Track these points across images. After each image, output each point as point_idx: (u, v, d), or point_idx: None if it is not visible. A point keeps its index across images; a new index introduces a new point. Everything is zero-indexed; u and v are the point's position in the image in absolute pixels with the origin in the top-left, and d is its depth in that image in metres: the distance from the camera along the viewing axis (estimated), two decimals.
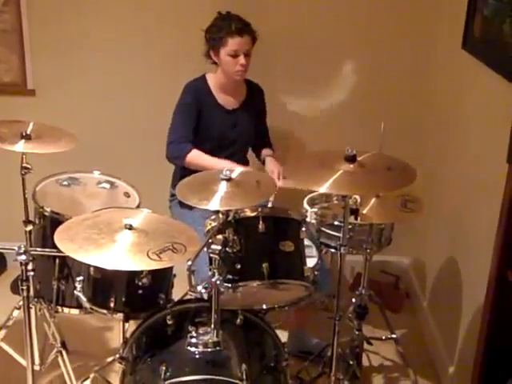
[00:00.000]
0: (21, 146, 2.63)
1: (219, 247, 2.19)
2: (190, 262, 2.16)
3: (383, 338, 3.20)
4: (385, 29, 3.59)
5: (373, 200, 2.76)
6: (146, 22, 3.61)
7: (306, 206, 3.04)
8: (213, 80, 3.23)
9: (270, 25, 3.43)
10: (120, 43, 3.63)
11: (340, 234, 2.44)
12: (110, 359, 3.00)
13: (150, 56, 3.65)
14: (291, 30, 3.59)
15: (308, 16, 3.58)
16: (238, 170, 2.46)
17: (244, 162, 3.30)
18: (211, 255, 2.19)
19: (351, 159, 2.33)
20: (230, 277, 2.34)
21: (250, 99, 3.32)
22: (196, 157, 3.11)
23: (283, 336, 3.15)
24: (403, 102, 3.70)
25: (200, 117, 3.16)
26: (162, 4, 3.58)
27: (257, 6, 3.50)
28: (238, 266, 2.36)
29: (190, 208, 2.54)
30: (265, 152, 3.40)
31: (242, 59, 3.09)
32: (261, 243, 2.42)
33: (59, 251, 2.17)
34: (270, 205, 2.59)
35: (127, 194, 2.98)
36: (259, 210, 2.40)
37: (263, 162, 3.36)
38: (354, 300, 2.96)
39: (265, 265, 2.36)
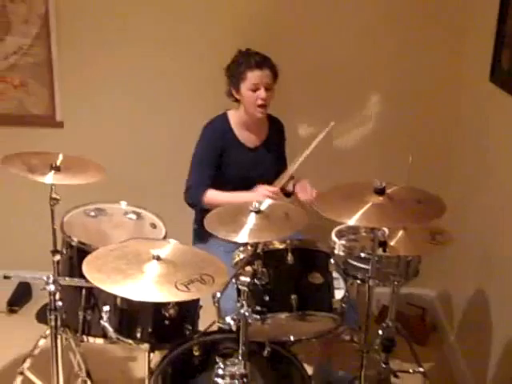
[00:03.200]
0: (50, 178, 2.63)
1: (248, 279, 2.17)
2: (219, 294, 2.15)
3: (410, 371, 3.14)
4: (411, 59, 3.58)
5: (400, 232, 2.74)
6: (171, 60, 3.63)
7: (334, 238, 3.01)
8: (234, 117, 3.20)
9: (291, 57, 3.44)
10: (146, 79, 3.65)
11: (367, 266, 2.42)
12: None
13: (176, 92, 3.67)
14: (314, 61, 3.58)
15: (331, 47, 3.58)
16: (267, 202, 2.45)
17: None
18: (240, 287, 2.18)
19: (380, 192, 2.31)
20: (258, 308, 2.33)
21: (272, 135, 3.30)
22: (213, 197, 3.07)
23: (309, 368, 3.09)
24: (430, 134, 3.68)
25: (221, 156, 3.14)
26: (187, 42, 3.60)
27: (278, 40, 3.48)
28: (267, 298, 2.36)
29: (220, 240, 2.52)
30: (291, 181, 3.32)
31: (262, 92, 3.06)
32: (289, 275, 2.42)
33: (87, 281, 2.16)
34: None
35: (153, 225, 2.97)
36: (288, 241, 2.40)
37: (287, 194, 3.31)
38: (380, 332, 2.90)
39: (293, 297, 2.36)
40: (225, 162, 3.14)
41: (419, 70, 3.59)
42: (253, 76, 3.06)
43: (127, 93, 3.69)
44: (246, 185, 3.14)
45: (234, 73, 3.12)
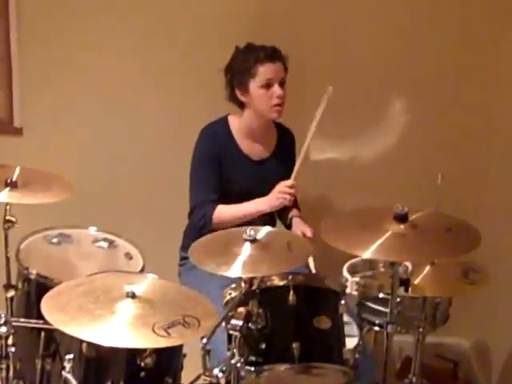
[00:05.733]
0: (5, 196, 2.64)
1: (240, 322, 2.18)
2: (204, 340, 2.16)
3: None
4: (444, 63, 3.62)
5: (427, 268, 2.74)
6: (151, 59, 3.66)
7: (345, 274, 2.99)
8: (237, 124, 3.23)
9: (302, 55, 3.45)
10: (125, 81, 3.68)
11: (387, 309, 2.42)
12: None
13: (159, 93, 3.69)
14: (329, 61, 3.62)
15: (349, 45, 3.62)
16: (264, 229, 2.47)
17: (272, 223, 3.29)
18: (230, 332, 2.18)
19: (402, 218, 2.33)
20: (252, 358, 2.34)
21: (281, 147, 3.33)
22: (223, 211, 3.11)
23: None
24: (465, 149, 3.70)
25: (220, 168, 3.17)
26: (168, 39, 3.63)
27: (283, 36, 3.46)
28: (263, 346, 2.36)
29: (207, 274, 2.53)
30: (291, 213, 3.37)
31: (277, 89, 3.09)
32: (291, 318, 2.42)
33: (46, 323, 2.15)
34: (313, 269, 2.57)
35: (129, 255, 2.98)
36: (290, 277, 2.41)
37: (288, 226, 3.35)
38: None
39: (295, 345, 2.35)
40: (224, 175, 3.18)
41: (452, 73, 3.62)
42: (265, 70, 3.10)
43: (100, 96, 3.70)
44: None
45: (240, 70, 3.14)
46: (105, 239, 3.03)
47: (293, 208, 3.40)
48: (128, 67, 3.67)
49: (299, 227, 3.24)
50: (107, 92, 3.70)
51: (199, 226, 3.13)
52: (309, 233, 3.13)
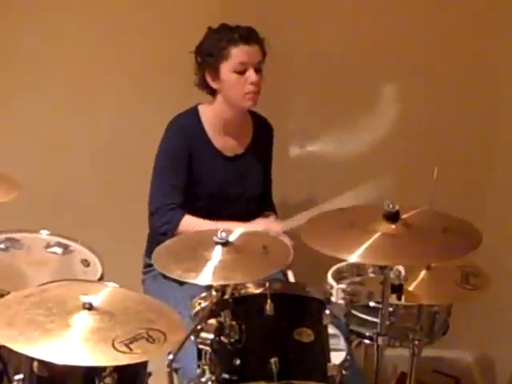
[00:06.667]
0: None
1: (211, 336, 2.20)
2: (171, 356, 2.16)
3: None
4: (439, 42, 3.67)
5: (422, 273, 2.74)
6: (110, 43, 3.67)
7: (330, 280, 3.03)
8: (208, 115, 3.23)
9: (284, 38, 3.49)
10: (74, 65, 3.69)
11: (377, 320, 2.44)
12: None
13: (118, 82, 3.70)
14: (313, 44, 3.65)
15: (333, 27, 3.65)
16: (237, 230, 2.48)
17: None
18: (200, 346, 2.20)
19: (393, 217, 2.34)
20: (226, 376, 2.33)
21: (258, 141, 3.34)
22: (190, 225, 3.09)
23: None
24: (463, 140, 3.74)
25: (190, 167, 3.17)
26: (131, 22, 3.66)
27: (264, 19, 3.47)
28: (238, 362, 2.35)
29: (175, 282, 2.56)
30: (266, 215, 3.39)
31: (252, 75, 3.10)
32: (268, 331, 2.42)
33: None
34: (290, 278, 2.54)
35: (86, 262, 2.99)
36: (266, 285, 2.41)
37: None
38: None
39: (273, 360, 2.35)
40: (194, 173, 3.18)
41: (449, 56, 3.66)
42: (239, 53, 3.10)
43: (54, 85, 3.71)
44: (222, 205, 3.23)
45: (211, 51, 3.14)
46: (58, 244, 3.04)
47: (268, 208, 3.43)
48: (81, 53, 3.67)
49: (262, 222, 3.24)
50: (59, 83, 3.72)
51: (160, 232, 3.13)
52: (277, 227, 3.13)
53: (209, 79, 3.18)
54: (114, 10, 3.62)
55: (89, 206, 3.78)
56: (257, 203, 3.37)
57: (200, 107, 3.25)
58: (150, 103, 3.67)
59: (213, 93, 3.21)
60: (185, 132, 3.19)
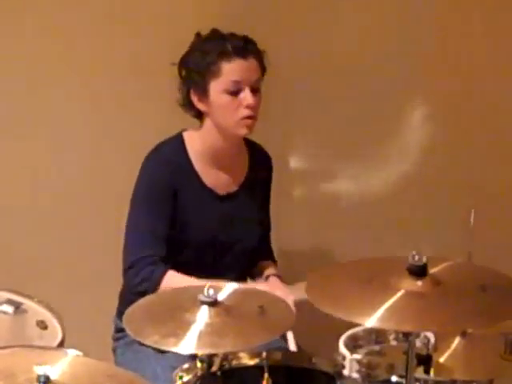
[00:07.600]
0: None
1: None
2: None
3: None
4: (477, 55, 3.68)
5: (456, 341, 2.68)
6: (85, 47, 3.69)
7: (342, 349, 2.91)
8: (194, 143, 3.17)
9: (288, 52, 3.50)
10: (50, 74, 3.69)
11: None
12: None
13: (95, 98, 3.71)
14: (323, 58, 3.65)
15: (344, 37, 3.66)
16: (228, 287, 2.45)
17: (244, 279, 3.29)
18: None
19: (419, 272, 2.28)
20: None
21: (254, 176, 3.28)
22: (174, 283, 3.02)
23: None
24: (504, 178, 3.73)
25: (175, 209, 3.11)
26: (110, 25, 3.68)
27: (262, 27, 3.49)
28: None
29: (153, 350, 2.54)
30: (267, 270, 3.32)
31: (248, 96, 3.01)
32: None
33: None
34: (292, 347, 2.55)
35: (42, 324, 2.89)
36: (264, 355, 2.39)
37: None
38: None
39: None
40: (180, 216, 3.12)
41: (488, 72, 3.67)
42: (232, 69, 3.03)
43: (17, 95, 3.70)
44: (210, 255, 3.18)
45: (198, 67, 3.07)
46: (9, 302, 2.93)
47: (267, 258, 3.39)
48: (52, 60, 3.67)
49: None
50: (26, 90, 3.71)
51: (137, 290, 3.05)
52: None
53: (195, 100, 3.10)
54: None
55: (46, 255, 3.73)
56: (254, 253, 3.33)
57: (185, 134, 3.18)
58: (125, 123, 3.71)
59: (199, 116, 3.15)
60: (169, 165, 3.13)
